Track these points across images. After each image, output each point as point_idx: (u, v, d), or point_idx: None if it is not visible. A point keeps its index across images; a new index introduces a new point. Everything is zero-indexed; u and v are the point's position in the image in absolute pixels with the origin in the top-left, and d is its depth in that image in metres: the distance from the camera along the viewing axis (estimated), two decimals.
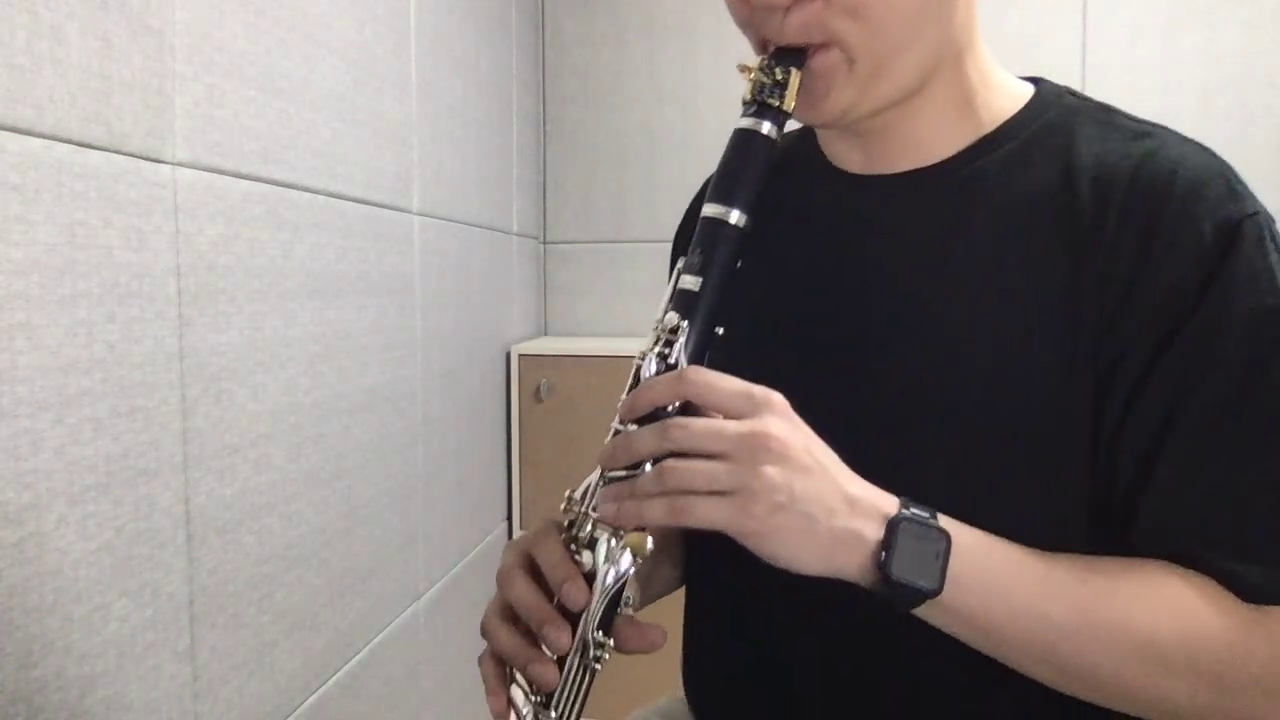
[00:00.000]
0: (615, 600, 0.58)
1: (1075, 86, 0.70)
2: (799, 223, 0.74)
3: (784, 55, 0.61)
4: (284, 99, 1.09)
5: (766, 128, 0.61)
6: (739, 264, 0.60)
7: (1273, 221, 0.61)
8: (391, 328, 1.40)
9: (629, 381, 0.59)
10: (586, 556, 0.58)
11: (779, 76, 0.60)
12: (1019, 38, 2.03)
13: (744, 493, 0.52)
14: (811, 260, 0.73)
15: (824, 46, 0.61)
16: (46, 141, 0.74)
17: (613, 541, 0.57)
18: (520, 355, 2.02)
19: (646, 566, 0.61)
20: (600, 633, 0.57)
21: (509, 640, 0.59)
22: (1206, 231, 0.58)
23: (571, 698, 0.58)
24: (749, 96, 0.61)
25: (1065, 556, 0.59)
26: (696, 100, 2.21)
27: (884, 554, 0.53)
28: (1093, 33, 2.05)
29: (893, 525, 0.54)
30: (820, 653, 0.68)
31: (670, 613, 0.73)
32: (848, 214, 0.71)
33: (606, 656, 0.58)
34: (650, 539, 0.57)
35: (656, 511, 0.54)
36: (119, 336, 0.82)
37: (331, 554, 1.22)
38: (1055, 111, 0.67)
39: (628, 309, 2.29)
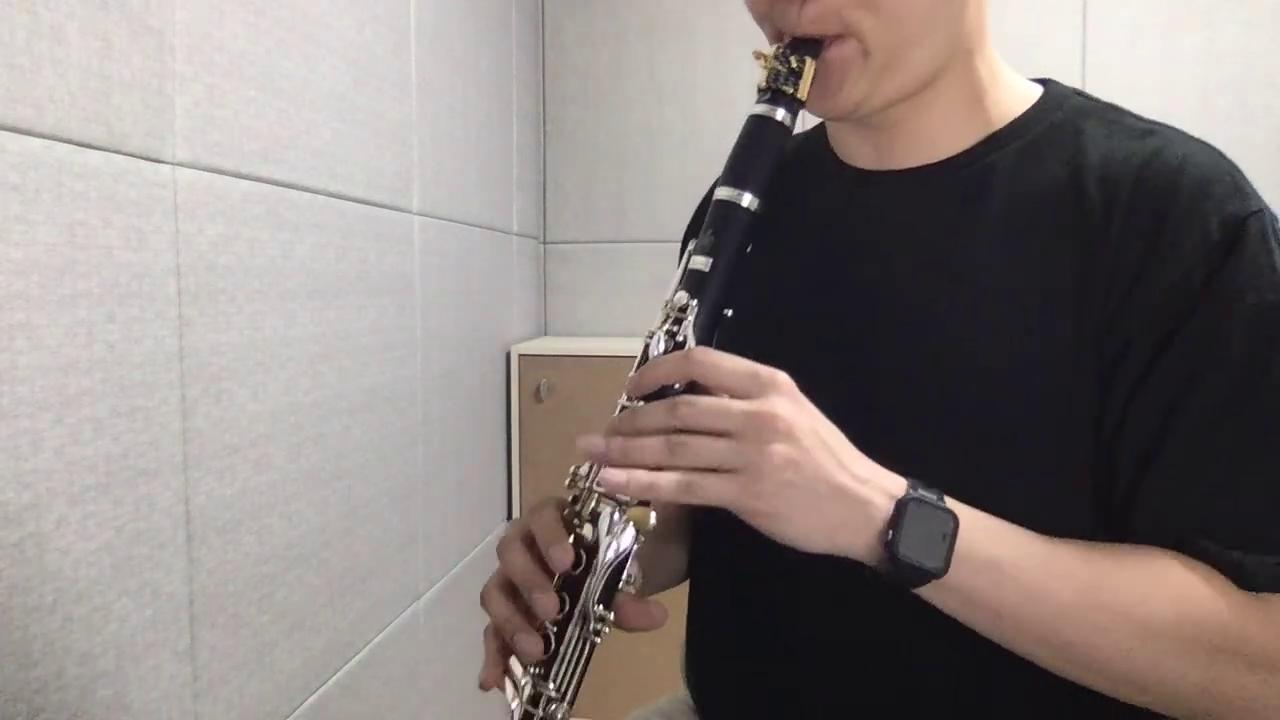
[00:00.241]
0: (617, 574, 0.58)
1: (1075, 86, 0.71)
2: (808, 217, 0.74)
3: (800, 45, 0.62)
4: (284, 99, 1.09)
5: (780, 114, 0.62)
6: (749, 247, 0.61)
7: (1276, 219, 0.61)
8: (391, 328, 1.40)
9: (637, 359, 0.60)
10: (589, 530, 0.58)
11: (794, 64, 0.61)
12: (1019, 38, 2.03)
13: (750, 471, 0.53)
14: (819, 255, 0.73)
15: (839, 38, 0.62)
16: (46, 141, 0.74)
17: (615, 515, 0.57)
18: (520, 355, 2.01)
19: (650, 545, 0.61)
20: (601, 606, 0.57)
21: (501, 609, 0.60)
22: (1213, 228, 0.59)
23: (570, 669, 0.58)
24: (764, 83, 0.62)
25: (1068, 541, 0.59)
26: (696, 100, 2.20)
27: (891, 533, 0.54)
28: (1093, 33, 2.05)
29: (901, 505, 0.54)
30: (822, 634, 0.68)
31: (673, 602, 0.73)
32: (856, 209, 0.72)
33: (606, 630, 0.58)
34: (653, 514, 0.58)
35: (668, 483, 0.54)
36: (119, 336, 0.82)
37: (331, 554, 1.22)
38: (1063, 111, 0.68)
39: (628, 309, 2.29)
